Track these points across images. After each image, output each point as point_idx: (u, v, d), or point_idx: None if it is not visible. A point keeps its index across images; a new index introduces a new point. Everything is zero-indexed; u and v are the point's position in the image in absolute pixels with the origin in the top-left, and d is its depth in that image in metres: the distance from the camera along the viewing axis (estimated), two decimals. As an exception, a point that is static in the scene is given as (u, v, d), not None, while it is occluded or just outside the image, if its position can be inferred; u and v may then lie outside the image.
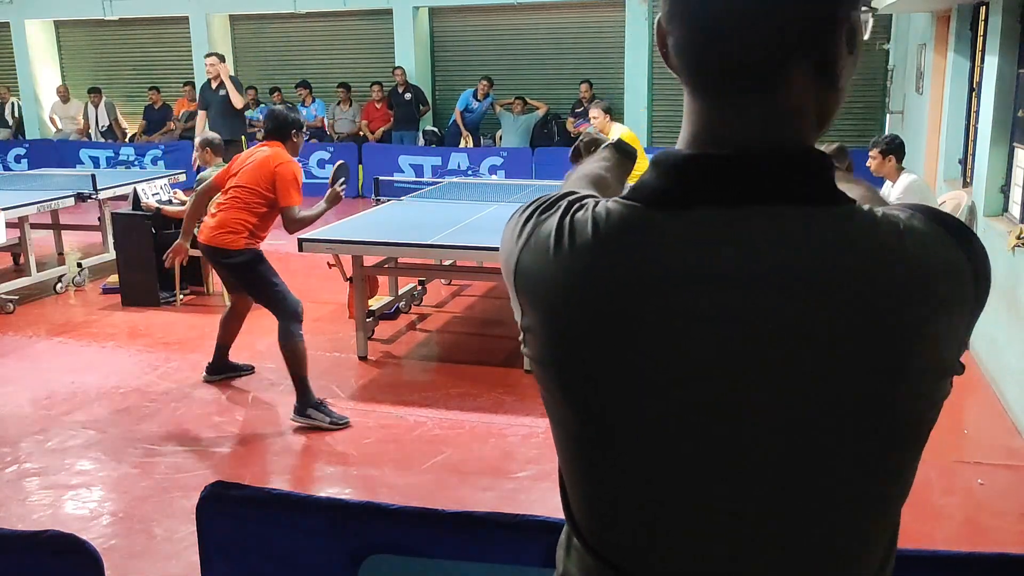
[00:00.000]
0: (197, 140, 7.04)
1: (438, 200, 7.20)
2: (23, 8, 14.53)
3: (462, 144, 12.37)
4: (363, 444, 4.49)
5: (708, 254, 0.90)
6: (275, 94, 13.31)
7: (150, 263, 6.84)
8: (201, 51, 12.06)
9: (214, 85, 9.62)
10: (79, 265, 7.76)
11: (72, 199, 7.48)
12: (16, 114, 14.43)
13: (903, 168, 5.92)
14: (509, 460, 4.30)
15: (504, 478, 4.14)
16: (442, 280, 7.34)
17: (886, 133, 7.09)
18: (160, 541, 3.59)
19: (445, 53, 13.76)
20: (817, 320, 0.87)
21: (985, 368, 5.24)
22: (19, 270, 7.87)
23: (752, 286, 0.88)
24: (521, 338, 1.02)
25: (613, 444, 0.98)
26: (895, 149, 5.89)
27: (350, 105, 12.95)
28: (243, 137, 9.66)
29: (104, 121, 13.72)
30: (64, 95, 14.02)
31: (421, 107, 12.77)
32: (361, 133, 12.83)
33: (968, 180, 6.45)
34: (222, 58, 9.85)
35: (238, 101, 9.52)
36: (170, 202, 7.18)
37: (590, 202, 0.98)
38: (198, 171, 7.19)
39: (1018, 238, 4.68)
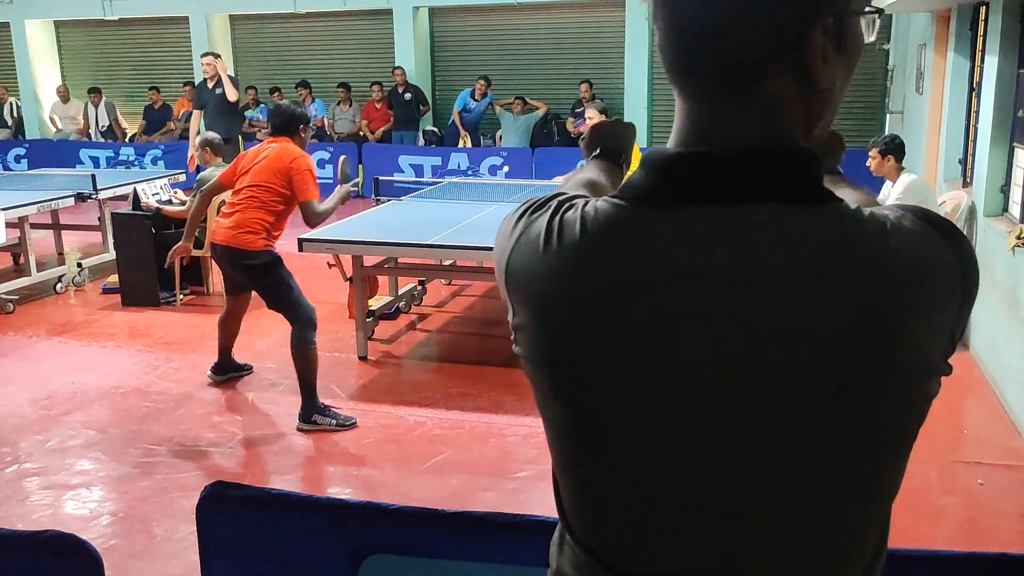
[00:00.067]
0: (197, 140, 7.05)
1: (438, 200, 7.20)
2: (23, 8, 14.53)
3: (460, 144, 12.37)
4: (363, 444, 4.49)
5: (696, 253, 0.90)
6: (275, 94, 13.31)
7: (150, 263, 6.84)
8: (201, 51, 12.07)
9: (211, 84, 9.63)
10: (79, 265, 7.76)
11: (72, 199, 7.48)
12: (15, 114, 14.42)
13: (903, 168, 5.92)
14: (509, 460, 4.30)
15: (504, 478, 4.14)
16: (442, 280, 7.34)
17: (886, 133, 7.09)
18: (160, 541, 3.59)
19: (445, 53, 13.76)
20: (809, 319, 0.87)
21: (985, 368, 5.24)
22: (19, 270, 7.87)
23: (738, 285, 0.89)
24: (512, 337, 1.03)
25: (601, 444, 0.98)
26: (894, 149, 5.90)
27: (350, 105, 12.95)
28: (240, 136, 9.66)
29: (104, 121, 13.72)
30: (64, 95, 14.02)
31: (421, 107, 12.77)
32: (361, 133, 12.83)
33: (968, 180, 6.45)
34: (218, 56, 9.87)
35: (232, 94, 9.52)
36: (170, 202, 7.18)
37: (580, 201, 0.98)
38: (198, 171, 7.20)
39: (1018, 238, 4.68)
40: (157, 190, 7.31)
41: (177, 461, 4.32)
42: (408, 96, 12.58)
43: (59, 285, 7.40)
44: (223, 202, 6.67)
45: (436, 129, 12.76)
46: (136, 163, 12.79)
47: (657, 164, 0.95)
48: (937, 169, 7.45)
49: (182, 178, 8.48)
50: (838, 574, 0.97)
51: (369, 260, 5.74)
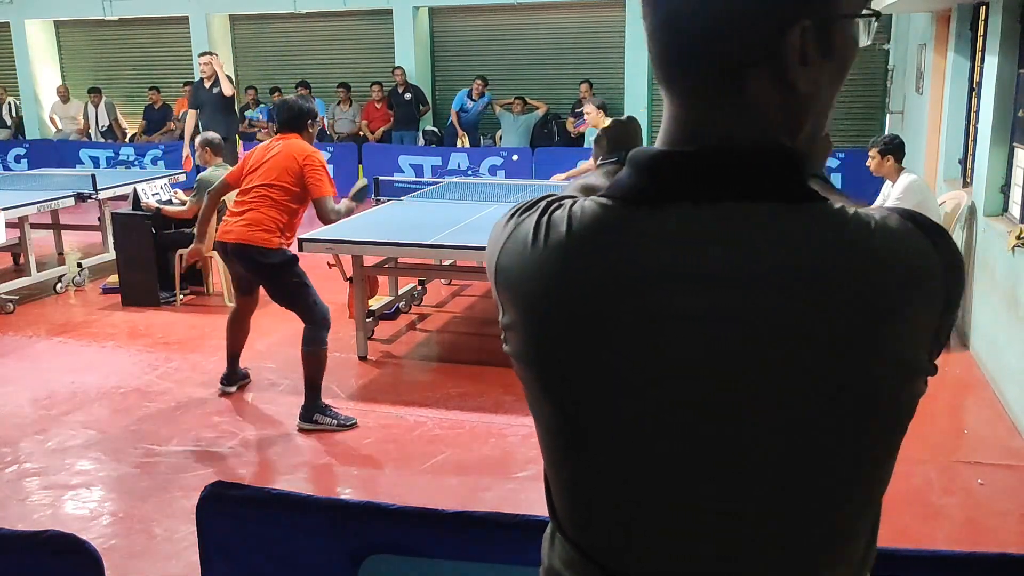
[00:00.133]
0: (197, 140, 7.05)
1: (438, 200, 7.20)
2: (23, 8, 14.53)
3: (458, 144, 12.38)
4: (363, 444, 4.49)
5: (682, 252, 0.90)
6: (275, 94, 13.31)
7: (150, 263, 6.85)
8: (201, 51, 12.07)
9: (207, 84, 9.62)
10: (79, 265, 7.76)
11: (72, 199, 7.48)
12: (15, 114, 14.41)
13: (903, 168, 5.92)
14: (509, 460, 4.30)
15: (504, 478, 4.14)
16: (442, 280, 7.34)
17: (886, 133, 7.09)
18: (160, 541, 3.59)
19: (445, 53, 13.76)
20: (803, 318, 0.87)
21: (985, 368, 5.24)
22: (19, 270, 7.87)
23: (725, 284, 0.89)
24: (503, 336, 1.03)
25: (588, 445, 0.98)
26: (894, 149, 5.89)
27: (350, 105, 12.95)
28: (237, 136, 9.65)
29: (104, 121, 13.72)
30: (64, 95, 14.02)
31: (421, 107, 12.77)
32: (361, 133, 12.83)
33: (968, 180, 6.44)
34: (214, 55, 9.90)
35: (228, 89, 9.51)
36: (170, 202, 7.18)
37: (568, 201, 0.98)
38: (197, 171, 7.20)
39: (1018, 238, 4.68)
40: (157, 190, 7.30)
41: (177, 461, 4.32)
42: (408, 96, 12.58)
43: (59, 285, 7.40)
44: (223, 202, 6.68)
45: (436, 129, 12.77)
46: (136, 163, 12.79)
47: (643, 163, 0.96)
48: (937, 169, 7.45)
49: (182, 178, 8.48)
50: (834, 572, 0.98)
51: (369, 260, 5.74)
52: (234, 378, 5.11)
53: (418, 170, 11.62)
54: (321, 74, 13.71)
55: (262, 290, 4.85)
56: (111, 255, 7.57)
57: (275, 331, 5.68)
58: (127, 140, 13.82)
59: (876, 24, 0.98)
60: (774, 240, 0.89)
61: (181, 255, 6.80)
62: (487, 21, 13.53)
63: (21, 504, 3.95)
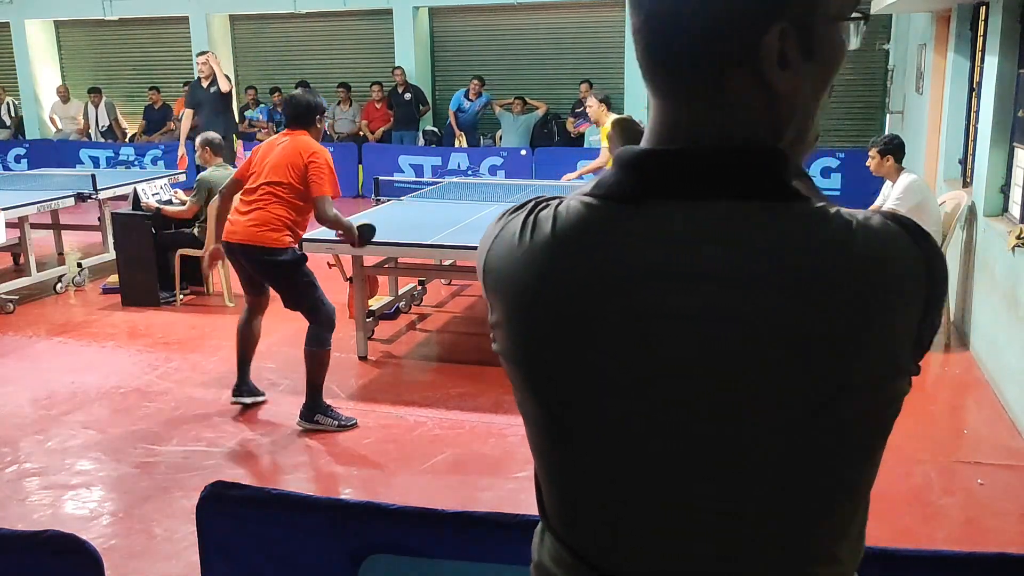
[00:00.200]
0: (197, 140, 7.05)
1: (438, 200, 7.21)
2: (23, 8, 14.53)
3: (455, 144, 12.39)
4: (363, 444, 4.49)
5: (666, 250, 0.91)
6: (275, 94, 13.32)
7: (150, 263, 6.85)
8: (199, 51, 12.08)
9: (205, 84, 9.61)
10: (79, 265, 7.76)
11: (72, 199, 7.49)
12: (13, 113, 14.40)
13: (903, 168, 5.92)
14: (509, 460, 4.30)
15: (504, 478, 4.14)
16: (442, 280, 7.34)
17: (886, 133, 7.09)
18: (160, 541, 3.59)
19: (445, 53, 13.76)
20: (783, 316, 0.87)
21: (985, 368, 5.24)
22: (19, 270, 7.88)
23: (710, 282, 0.89)
24: (492, 335, 1.03)
25: (574, 444, 0.98)
26: (894, 149, 5.89)
27: (350, 105, 12.95)
28: (235, 136, 9.64)
29: (104, 121, 13.72)
30: (64, 95, 14.02)
31: (421, 107, 12.78)
32: (361, 133, 12.84)
33: (968, 180, 6.44)
34: (210, 53, 9.91)
35: (225, 84, 9.50)
36: (170, 202, 7.18)
37: (554, 201, 0.99)
38: (198, 170, 7.20)
39: (1018, 238, 4.68)
40: (157, 190, 7.31)
41: (177, 461, 4.32)
42: (408, 96, 12.58)
43: (59, 285, 7.40)
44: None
45: (436, 129, 12.77)
46: (136, 163, 12.79)
47: (627, 162, 0.96)
48: (937, 169, 7.45)
49: (182, 178, 8.48)
50: (830, 569, 0.98)
51: (369, 260, 5.74)
52: (244, 388, 4.86)
53: (418, 170, 11.62)
54: (321, 74, 13.71)
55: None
56: (111, 255, 7.57)
57: (275, 331, 5.67)
58: (127, 140, 13.82)
59: (865, 27, 0.97)
60: (758, 239, 0.89)
61: (181, 255, 6.82)
62: (487, 21, 13.53)
63: (21, 504, 3.95)
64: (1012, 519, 3.76)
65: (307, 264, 4.58)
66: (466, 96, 12.59)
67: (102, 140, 13.58)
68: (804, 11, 0.91)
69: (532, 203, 1.01)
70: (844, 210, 0.91)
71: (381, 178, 7.89)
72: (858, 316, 0.88)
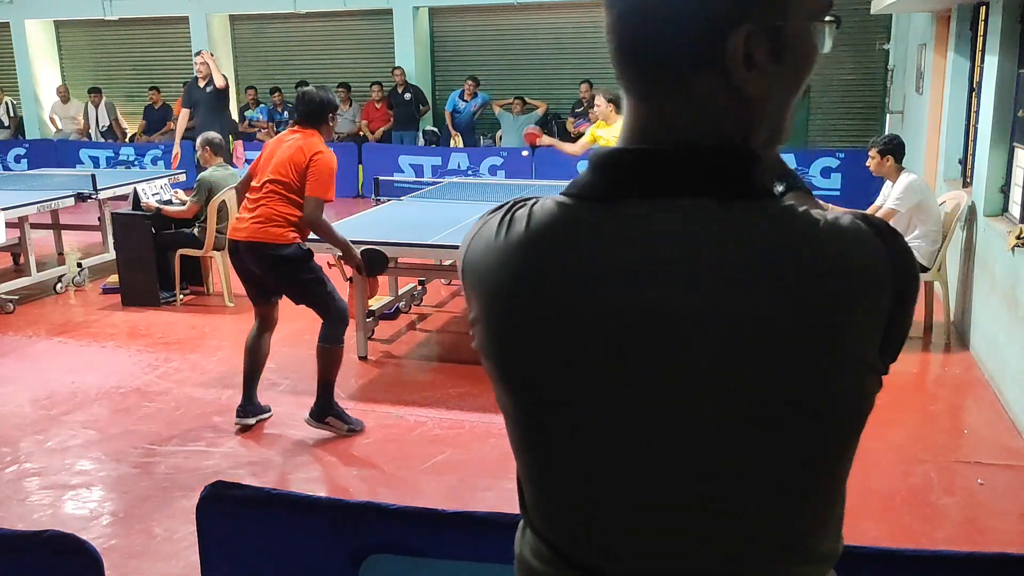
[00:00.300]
0: (198, 140, 7.05)
1: (438, 200, 7.21)
2: (23, 8, 14.53)
3: (451, 145, 12.39)
4: (363, 444, 4.49)
5: (635, 248, 0.91)
6: (275, 94, 13.32)
7: (150, 263, 6.85)
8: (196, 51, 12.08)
9: (202, 83, 9.60)
10: (79, 265, 7.76)
11: (72, 199, 7.48)
12: (12, 113, 14.40)
13: (903, 168, 5.92)
14: (509, 460, 4.22)
15: (504, 478, 4.13)
16: (442, 280, 7.34)
17: (886, 133, 7.09)
18: (160, 541, 3.59)
19: (445, 53, 13.76)
20: (747, 313, 0.88)
21: (985, 368, 5.24)
22: (19, 270, 7.88)
23: (672, 280, 0.89)
24: (471, 332, 1.04)
25: (548, 443, 1.00)
26: (894, 149, 5.89)
27: (350, 105, 12.95)
28: (231, 136, 9.62)
29: (104, 121, 13.72)
30: (64, 95, 14.02)
31: (421, 107, 12.78)
32: (361, 133, 12.84)
33: (968, 180, 6.44)
34: (204, 51, 9.91)
35: (220, 80, 9.48)
36: (170, 202, 7.18)
37: (531, 200, 1.00)
38: (199, 169, 7.20)
39: (1018, 238, 4.68)
40: (157, 190, 7.31)
41: (177, 461, 4.32)
42: (408, 96, 12.58)
43: (59, 285, 7.40)
44: (223, 201, 6.69)
45: (436, 129, 12.77)
46: (136, 163, 12.79)
47: (599, 161, 0.97)
48: (937, 169, 7.45)
49: (182, 178, 8.48)
50: (810, 569, 0.99)
51: (369, 260, 5.73)
52: (250, 408, 4.65)
53: (418, 170, 11.62)
54: (321, 74, 13.70)
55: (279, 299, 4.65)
56: (111, 255, 7.57)
57: (276, 330, 5.66)
58: (127, 140, 13.82)
59: (836, 30, 0.97)
60: (724, 237, 0.90)
61: (181, 255, 6.82)
62: (487, 21, 13.53)
63: (21, 504, 3.95)
64: (1012, 519, 3.76)
65: (314, 260, 4.49)
66: (460, 97, 12.60)
67: (102, 140, 13.58)
68: (772, 14, 0.91)
69: (511, 203, 1.02)
70: (814, 210, 0.92)
71: (381, 178, 7.89)
72: (821, 313, 0.88)
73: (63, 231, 8.67)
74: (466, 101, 12.57)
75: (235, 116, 12.51)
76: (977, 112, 6.21)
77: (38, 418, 4.85)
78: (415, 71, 13.07)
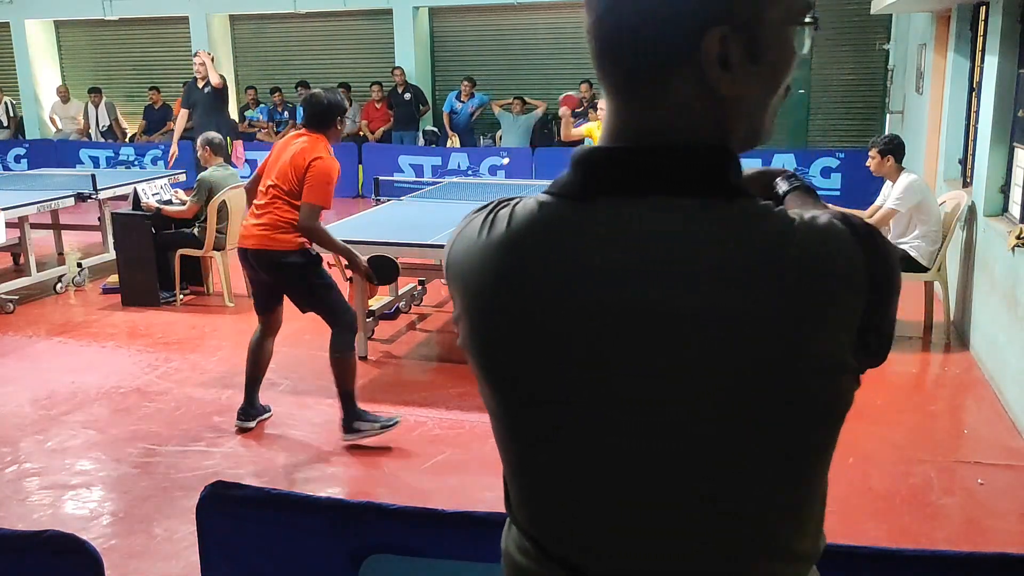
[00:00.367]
0: (199, 140, 7.05)
1: (438, 200, 7.21)
2: (23, 8, 14.53)
3: (448, 146, 12.39)
4: (363, 444, 4.49)
5: (613, 247, 0.92)
6: (275, 94, 13.32)
7: (150, 263, 6.85)
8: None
9: (200, 84, 9.60)
10: (79, 265, 7.76)
11: (72, 199, 7.48)
12: (11, 113, 14.39)
13: (903, 168, 5.92)
14: (509, 460, 4.29)
15: (504, 478, 4.14)
16: (442, 280, 7.33)
17: (886, 133, 7.09)
18: (160, 541, 3.59)
19: (445, 53, 13.76)
20: (723, 312, 0.88)
21: (985, 368, 5.24)
22: (19, 270, 7.88)
23: (648, 278, 0.90)
24: (455, 329, 1.05)
25: (530, 442, 1.00)
26: (894, 149, 5.90)
27: (350, 105, 12.93)
28: (229, 137, 9.62)
29: (104, 121, 13.72)
30: (64, 95, 14.02)
31: (421, 107, 12.78)
32: (361, 133, 12.83)
33: (968, 180, 6.45)
34: (201, 51, 9.91)
35: (215, 78, 9.47)
36: (170, 202, 7.18)
37: (514, 200, 1.01)
38: (198, 170, 7.20)
39: (1018, 238, 4.68)
40: (157, 190, 7.30)
41: (177, 461, 4.32)
42: (408, 96, 12.59)
43: (59, 285, 7.40)
44: (223, 201, 6.69)
45: (436, 129, 12.77)
46: (136, 163, 12.79)
47: (578, 160, 0.98)
48: (937, 169, 7.45)
49: (182, 178, 8.47)
50: (790, 569, 0.99)
51: (369, 260, 5.73)
52: (252, 411, 4.65)
53: (418, 170, 11.62)
54: (321, 74, 13.71)
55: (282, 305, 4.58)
56: (111, 255, 7.57)
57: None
58: (127, 140, 13.82)
59: (815, 31, 0.97)
60: (699, 235, 0.90)
61: (181, 255, 6.81)
62: (487, 21, 13.53)
63: (21, 504, 3.95)
64: (1012, 519, 3.76)
65: (322, 266, 4.44)
66: (458, 98, 12.60)
67: (102, 140, 13.58)
68: (748, 16, 0.91)
69: (495, 203, 1.02)
70: (792, 211, 0.93)
71: (381, 178, 7.89)
72: (792, 311, 0.88)
73: (63, 231, 8.67)
74: (463, 102, 12.57)
75: (235, 116, 12.52)
76: (977, 112, 6.21)
77: (38, 418, 4.85)
78: (415, 71, 13.07)
